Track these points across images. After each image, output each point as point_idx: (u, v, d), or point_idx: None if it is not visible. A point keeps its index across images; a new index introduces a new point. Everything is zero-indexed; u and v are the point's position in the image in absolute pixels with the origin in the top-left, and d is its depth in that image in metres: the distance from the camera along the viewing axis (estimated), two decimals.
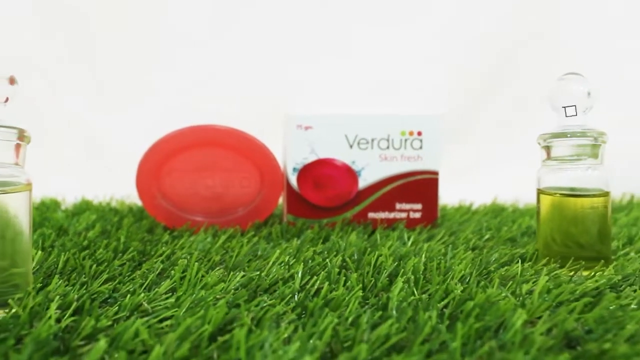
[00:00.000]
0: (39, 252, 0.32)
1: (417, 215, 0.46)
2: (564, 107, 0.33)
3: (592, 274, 0.30)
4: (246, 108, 0.75)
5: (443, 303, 0.25)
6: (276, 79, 0.79)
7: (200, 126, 0.44)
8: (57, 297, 0.24)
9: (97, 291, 0.26)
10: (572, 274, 0.31)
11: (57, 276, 0.28)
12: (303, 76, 0.80)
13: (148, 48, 0.79)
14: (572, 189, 0.33)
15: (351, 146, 0.45)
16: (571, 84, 0.33)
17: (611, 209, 0.42)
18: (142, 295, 0.25)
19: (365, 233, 0.42)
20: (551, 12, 0.80)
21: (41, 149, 0.51)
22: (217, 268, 0.31)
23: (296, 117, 0.45)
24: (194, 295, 0.25)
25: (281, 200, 0.47)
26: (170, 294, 0.27)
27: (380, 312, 0.23)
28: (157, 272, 0.30)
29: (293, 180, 0.45)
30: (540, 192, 0.34)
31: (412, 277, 0.28)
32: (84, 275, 0.29)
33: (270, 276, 0.29)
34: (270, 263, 0.31)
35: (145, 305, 0.24)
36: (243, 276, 0.29)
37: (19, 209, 0.26)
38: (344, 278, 0.28)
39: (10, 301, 0.24)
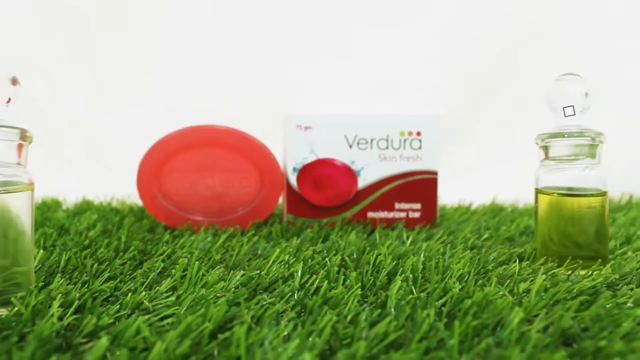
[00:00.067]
0: (41, 251, 0.32)
1: (416, 215, 0.46)
2: (564, 108, 0.33)
3: (589, 273, 0.31)
4: (246, 108, 0.75)
5: (441, 301, 0.25)
6: (276, 79, 0.79)
7: (200, 126, 0.44)
8: (59, 295, 0.25)
9: (99, 290, 0.26)
10: (569, 273, 0.31)
11: (58, 275, 0.28)
12: (303, 76, 0.80)
13: (148, 48, 0.79)
14: (569, 189, 0.33)
15: (351, 146, 0.45)
16: (569, 85, 0.33)
17: (609, 209, 0.42)
18: (143, 293, 0.25)
19: (365, 232, 0.43)
20: (551, 12, 0.81)
21: (42, 149, 0.51)
22: (218, 267, 0.32)
23: (296, 117, 0.45)
24: (195, 293, 0.25)
25: (281, 200, 0.48)
26: (171, 292, 0.27)
27: (378, 310, 0.24)
28: (157, 271, 0.30)
29: (293, 180, 0.45)
30: (538, 191, 0.34)
31: (411, 275, 0.28)
32: (85, 274, 0.29)
33: (270, 275, 0.29)
34: (270, 262, 0.32)
35: (147, 303, 0.25)
36: (243, 275, 0.29)
37: (21, 209, 0.26)
38: (343, 277, 0.28)
39: (13, 299, 0.24)
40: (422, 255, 0.33)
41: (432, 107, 0.60)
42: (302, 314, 0.24)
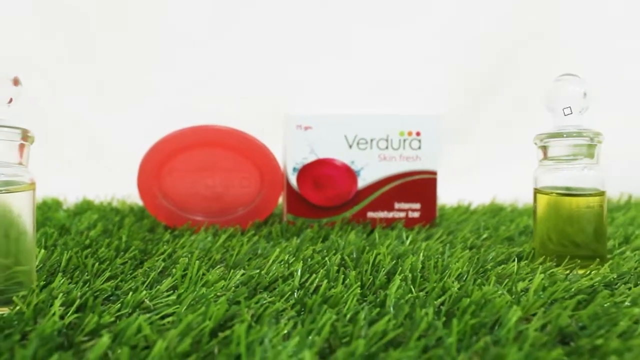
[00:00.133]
0: (42, 250, 0.32)
1: (416, 214, 0.47)
2: (563, 109, 0.33)
3: (588, 272, 0.31)
4: (246, 108, 0.75)
5: (440, 300, 0.25)
6: (276, 79, 0.80)
7: (200, 126, 0.44)
8: (61, 294, 0.25)
9: (100, 289, 0.26)
10: (567, 272, 0.31)
11: (60, 274, 0.28)
12: (303, 76, 0.80)
13: (148, 48, 0.80)
14: (568, 189, 0.33)
15: (350, 146, 0.45)
16: (567, 85, 0.33)
17: (607, 209, 0.42)
18: (144, 292, 0.26)
19: (364, 232, 0.43)
20: (551, 12, 0.81)
21: (42, 149, 0.51)
22: (218, 266, 0.32)
23: (296, 117, 0.45)
24: (195, 292, 0.25)
25: (281, 199, 0.48)
26: (172, 291, 0.27)
27: (378, 309, 0.24)
28: (158, 270, 0.30)
29: (293, 180, 0.46)
30: (537, 191, 0.34)
31: (410, 275, 0.29)
32: (86, 274, 0.29)
33: (270, 274, 0.29)
34: (270, 261, 0.32)
35: (147, 302, 0.25)
36: (243, 274, 0.29)
37: (23, 208, 0.26)
38: (343, 276, 0.29)
39: (14, 298, 0.24)
40: (421, 254, 0.33)
41: (432, 107, 0.60)
42: (302, 312, 0.25)
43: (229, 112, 0.74)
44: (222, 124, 0.44)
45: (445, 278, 0.29)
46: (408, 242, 0.38)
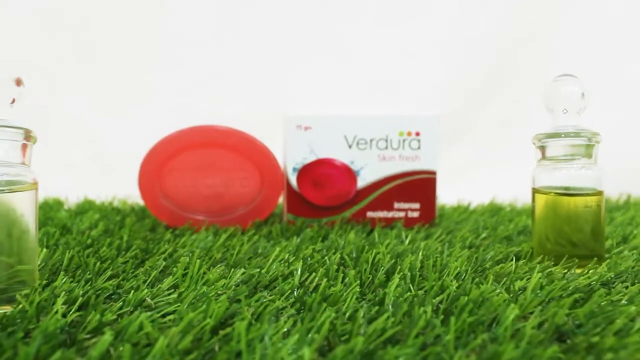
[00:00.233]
0: (44, 250, 0.33)
1: (415, 214, 0.47)
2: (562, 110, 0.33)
3: (585, 271, 0.31)
4: (246, 108, 0.75)
5: (438, 299, 0.26)
6: (276, 80, 0.80)
7: (201, 127, 0.44)
8: (63, 293, 0.25)
9: (102, 287, 0.27)
10: (565, 271, 0.31)
11: (62, 273, 0.28)
12: (303, 77, 0.80)
13: (149, 49, 0.80)
14: (566, 188, 0.33)
15: (350, 146, 0.46)
16: (565, 85, 0.33)
17: (607, 208, 0.42)
18: (146, 291, 0.26)
19: (364, 232, 0.43)
20: (551, 12, 0.81)
21: (43, 150, 0.51)
22: (218, 265, 0.32)
23: (296, 118, 0.45)
24: (196, 291, 0.26)
25: (281, 199, 0.48)
26: (173, 290, 0.27)
27: (376, 307, 0.24)
28: (159, 269, 0.31)
29: (293, 180, 0.46)
30: (535, 191, 0.35)
31: (409, 274, 0.29)
32: (88, 272, 0.29)
33: (270, 273, 0.29)
34: (270, 260, 0.32)
35: (149, 300, 0.25)
36: (243, 273, 0.29)
37: (25, 208, 0.26)
38: (342, 275, 0.29)
39: (17, 296, 0.24)
40: (420, 254, 0.33)
41: (431, 107, 0.60)
42: (302, 310, 0.25)
43: (229, 112, 0.74)
44: (223, 124, 0.45)
45: (444, 277, 0.29)
46: (407, 241, 0.39)
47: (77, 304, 0.24)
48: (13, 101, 0.27)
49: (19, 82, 0.27)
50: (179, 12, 0.80)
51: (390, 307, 0.24)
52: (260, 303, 0.25)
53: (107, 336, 0.19)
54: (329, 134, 0.46)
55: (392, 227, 0.45)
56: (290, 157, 0.46)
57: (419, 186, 0.46)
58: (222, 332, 0.21)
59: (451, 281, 0.28)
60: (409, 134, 0.46)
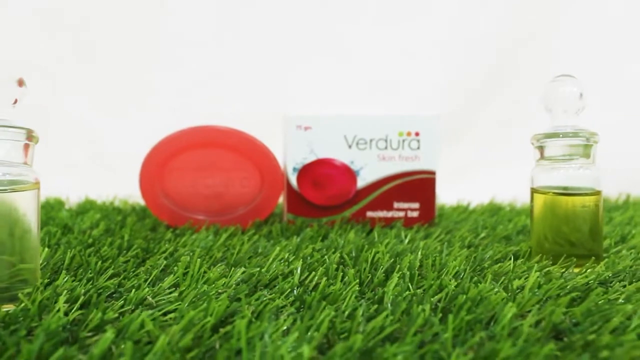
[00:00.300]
0: (46, 249, 0.33)
1: (415, 214, 0.47)
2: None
3: (583, 270, 0.31)
4: (246, 109, 0.76)
5: (437, 297, 0.26)
6: (276, 80, 0.80)
7: (201, 127, 0.45)
8: (65, 291, 0.25)
9: (103, 286, 0.27)
10: (563, 270, 0.31)
11: (64, 272, 0.28)
12: (303, 77, 0.81)
13: (149, 49, 0.80)
14: (564, 188, 0.34)
15: (350, 146, 0.46)
16: (563, 86, 0.33)
17: (605, 208, 0.42)
18: (147, 290, 0.26)
19: (364, 231, 0.43)
20: (551, 12, 0.81)
21: (44, 150, 0.52)
22: (219, 264, 0.32)
23: (296, 118, 0.45)
24: (197, 289, 0.26)
25: (281, 199, 0.48)
26: (174, 289, 0.27)
27: (375, 306, 0.24)
28: (160, 269, 0.31)
29: (293, 179, 0.46)
30: (533, 191, 0.35)
31: (408, 273, 0.29)
32: (89, 271, 0.30)
33: (270, 272, 0.30)
34: (270, 259, 0.32)
35: (150, 299, 0.25)
36: (244, 272, 0.30)
37: (28, 207, 0.26)
38: (342, 274, 0.29)
39: (20, 295, 0.25)
40: (419, 253, 0.34)
41: (431, 108, 0.61)
42: (301, 309, 0.25)
43: (229, 112, 0.74)
44: (223, 125, 0.45)
45: (443, 276, 0.29)
46: (407, 240, 0.39)
47: (79, 302, 0.25)
48: (15, 101, 0.27)
49: (21, 83, 0.27)
50: (179, 12, 0.80)
51: (389, 305, 0.24)
52: (260, 301, 0.25)
53: (109, 334, 0.19)
54: (329, 134, 0.46)
55: (392, 227, 0.46)
56: (290, 157, 0.46)
57: (419, 186, 0.47)
58: (222, 330, 0.21)
59: (450, 280, 0.28)
60: (409, 134, 0.46)
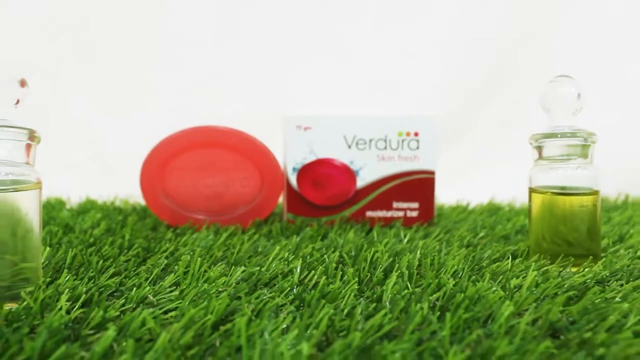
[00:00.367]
0: (47, 248, 0.33)
1: (414, 214, 0.47)
2: None
3: (581, 269, 0.31)
4: (246, 109, 0.76)
5: (435, 296, 0.26)
6: (276, 80, 0.80)
7: (202, 127, 0.45)
8: (67, 290, 0.26)
9: (105, 285, 0.27)
10: (560, 269, 0.32)
11: (65, 271, 0.29)
12: (303, 77, 0.81)
13: (149, 49, 0.80)
14: (562, 188, 0.34)
15: (349, 146, 0.46)
16: (562, 86, 0.34)
17: (604, 208, 0.42)
18: (148, 288, 0.26)
19: (363, 231, 0.44)
20: (551, 12, 0.81)
21: (44, 150, 0.52)
22: (219, 263, 0.33)
23: (296, 118, 0.46)
24: (197, 288, 0.26)
25: (281, 199, 0.49)
26: (174, 287, 0.28)
27: (374, 304, 0.25)
28: (161, 267, 0.31)
29: (293, 179, 0.46)
30: (532, 190, 0.35)
31: (407, 272, 0.29)
32: (91, 270, 0.30)
33: (270, 271, 0.30)
34: (270, 259, 0.32)
35: (151, 297, 0.26)
36: (244, 271, 0.30)
37: (30, 207, 0.27)
38: (341, 273, 0.29)
39: (22, 294, 0.25)
40: (418, 252, 0.34)
41: (431, 108, 0.61)
42: (301, 307, 0.25)
43: (229, 112, 0.75)
44: (223, 124, 0.45)
45: (441, 275, 0.29)
46: (406, 240, 0.39)
47: (81, 300, 0.25)
48: (17, 102, 0.27)
49: (23, 83, 0.27)
50: (179, 12, 0.80)
51: (387, 304, 0.25)
52: (260, 300, 0.25)
53: (111, 331, 0.20)
54: (329, 134, 0.46)
55: (391, 227, 0.46)
56: (290, 157, 0.46)
57: (418, 186, 0.47)
58: (222, 328, 0.22)
59: (448, 279, 0.28)
60: (408, 134, 0.46)
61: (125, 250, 0.35)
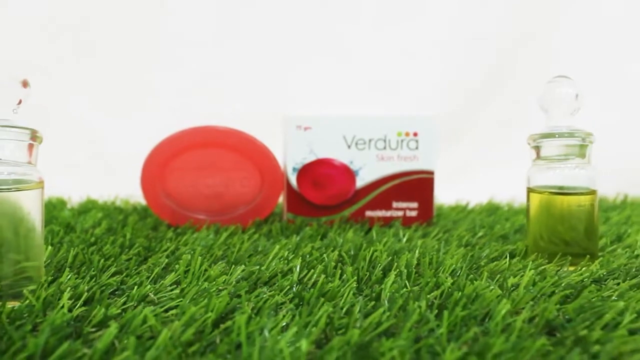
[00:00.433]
0: (49, 247, 0.33)
1: (413, 213, 0.48)
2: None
3: (578, 268, 0.32)
4: (246, 109, 0.76)
5: (433, 294, 0.26)
6: (276, 80, 0.81)
7: (202, 127, 0.45)
8: (69, 288, 0.26)
9: (106, 283, 0.27)
10: (558, 269, 0.32)
11: (67, 270, 0.29)
12: (303, 77, 0.81)
13: (149, 49, 0.80)
14: (560, 188, 0.34)
15: (349, 146, 0.46)
16: (560, 87, 0.34)
17: (603, 208, 0.43)
18: (149, 287, 0.27)
19: (362, 230, 0.44)
20: (551, 12, 0.81)
21: (45, 150, 0.52)
22: (219, 262, 0.33)
23: (295, 118, 0.46)
24: (198, 286, 0.26)
25: (281, 199, 0.49)
26: (175, 286, 0.28)
27: (373, 302, 0.25)
28: (162, 266, 0.31)
29: (293, 179, 0.47)
30: (530, 190, 0.35)
31: (405, 271, 0.29)
32: (92, 269, 0.30)
33: (270, 270, 0.30)
34: (270, 258, 0.33)
35: (152, 296, 0.26)
36: (244, 270, 0.30)
37: (32, 206, 0.27)
38: (340, 271, 0.30)
39: (25, 292, 0.25)
40: (417, 251, 0.34)
41: (431, 108, 0.61)
42: (300, 305, 0.26)
43: (229, 112, 0.75)
44: (223, 124, 0.45)
45: (439, 274, 0.30)
46: (405, 239, 0.39)
47: (83, 299, 0.25)
48: (20, 102, 0.28)
49: (25, 84, 0.28)
50: (179, 12, 0.80)
51: (385, 302, 0.25)
52: (260, 298, 0.26)
53: (112, 329, 0.20)
54: (329, 134, 0.46)
55: (390, 226, 0.46)
56: (290, 157, 0.46)
57: (417, 186, 0.47)
58: (223, 326, 0.22)
59: (446, 278, 0.29)
60: (407, 134, 0.47)
61: (126, 250, 0.35)
